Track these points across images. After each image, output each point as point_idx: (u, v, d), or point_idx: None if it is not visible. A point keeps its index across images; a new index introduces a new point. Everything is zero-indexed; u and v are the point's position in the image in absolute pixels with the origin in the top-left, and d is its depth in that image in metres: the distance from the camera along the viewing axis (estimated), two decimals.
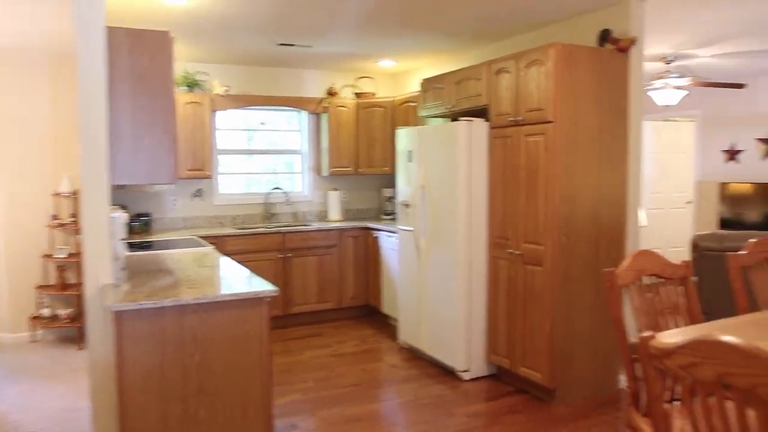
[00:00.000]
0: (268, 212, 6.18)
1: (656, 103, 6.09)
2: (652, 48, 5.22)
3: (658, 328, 2.27)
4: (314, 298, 5.77)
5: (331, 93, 6.25)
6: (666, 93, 5.60)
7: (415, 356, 4.80)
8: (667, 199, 7.90)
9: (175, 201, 5.82)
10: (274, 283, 5.46)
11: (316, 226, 5.85)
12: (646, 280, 2.44)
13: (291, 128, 6.45)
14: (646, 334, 1.39)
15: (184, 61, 5.68)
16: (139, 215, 5.52)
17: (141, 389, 2.50)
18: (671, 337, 1.40)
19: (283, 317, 5.65)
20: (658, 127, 7.82)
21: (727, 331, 2.07)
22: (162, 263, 3.58)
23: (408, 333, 4.88)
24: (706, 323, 2.21)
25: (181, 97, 5.46)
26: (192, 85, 5.61)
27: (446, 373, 4.38)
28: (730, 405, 1.28)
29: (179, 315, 2.55)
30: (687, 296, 2.46)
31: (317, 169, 6.42)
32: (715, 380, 1.24)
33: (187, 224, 5.86)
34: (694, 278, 4.78)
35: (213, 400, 2.63)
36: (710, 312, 4.47)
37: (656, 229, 7.73)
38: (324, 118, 6.20)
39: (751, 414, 1.23)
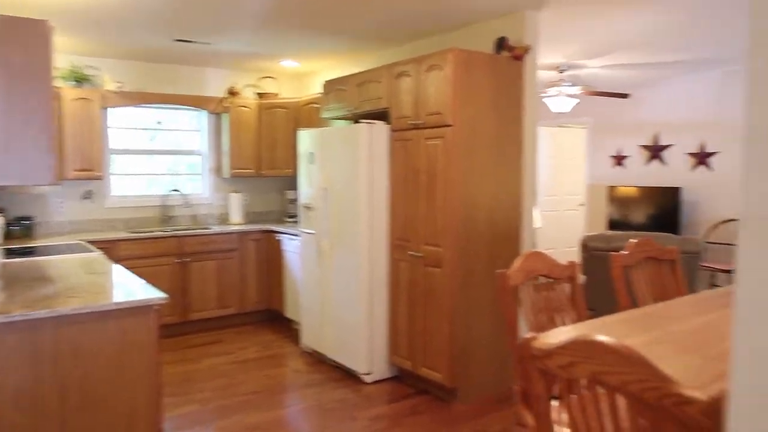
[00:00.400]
0: (166, 215, 5.92)
1: (551, 110, 6.38)
2: (547, 57, 5.46)
3: (547, 326, 2.35)
4: (214, 304, 5.58)
5: (232, 92, 6.07)
6: (559, 100, 5.88)
7: (318, 360, 4.74)
8: (562, 201, 8.30)
9: (62, 203, 5.44)
10: (171, 288, 5.25)
11: (216, 229, 5.66)
12: (542, 280, 2.53)
13: (191, 128, 6.21)
14: (528, 335, 1.43)
15: (71, 54, 5.33)
16: (20, 219, 5.11)
17: (11, 409, 2.29)
18: (552, 337, 1.44)
19: (182, 324, 5.42)
20: (553, 132, 8.19)
21: (606, 329, 2.18)
22: (43, 270, 3.32)
23: (311, 337, 4.81)
24: (590, 321, 2.31)
25: (68, 92, 5.12)
26: (80, 79, 5.28)
27: (349, 376, 4.36)
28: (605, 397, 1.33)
29: (56, 327, 2.37)
30: (573, 295, 2.56)
31: (218, 171, 6.22)
32: (591, 378, 1.28)
33: (75, 228, 5.50)
34: (583, 277, 5.06)
35: (95, 417, 2.46)
36: (598, 309, 4.72)
37: (552, 230, 8.10)
38: (225, 118, 6.02)
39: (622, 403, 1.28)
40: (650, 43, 5.01)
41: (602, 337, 1.26)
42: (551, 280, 2.57)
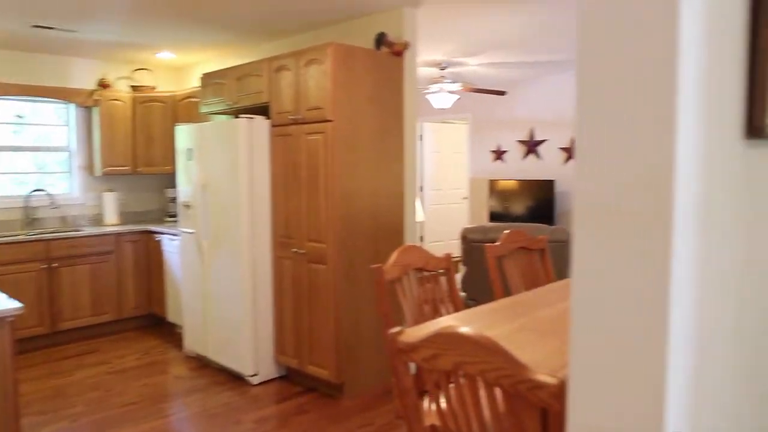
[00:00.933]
0: (29, 217, 5.45)
1: (433, 106, 6.54)
2: (428, 54, 5.58)
3: (427, 319, 2.40)
4: (89, 311, 5.22)
5: (103, 85, 5.70)
6: (441, 96, 6.03)
7: (202, 365, 4.57)
8: (446, 195, 8.55)
9: None
10: (37, 297, 4.85)
11: (88, 231, 5.29)
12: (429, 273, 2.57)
13: (58, 123, 5.75)
14: (394, 329, 1.44)
15: None
16: None
17: None
18: (420, 330, 1.45)
19: (51, 335, 5.03)
20: (436, 128, 8.41)
21: (479, 318, 2.25)
22: None
23: (194, 340, 4.63)
24: (465, 311, 2.38)
25: None
26: None
27: (235, 379, 4.24)
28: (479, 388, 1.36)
29: None
30: (449, 286, 2.63)
31: (89, 169, 5.81)
32: (454, 369, 1.31)
33: None
34: (464, 268, 5.23)
35: None
36: (479, 298, 4.91)
37: (438, 223, 8.32)
38: (96, 112, 5.63)
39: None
40: (524, 43, 5.25)
41: (463, 329, 1.29)
42: (427, 273, 2.62)
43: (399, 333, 1.42)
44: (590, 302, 0.91)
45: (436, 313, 2.50)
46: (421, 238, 7.93)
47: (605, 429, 0.90)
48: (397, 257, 2.39)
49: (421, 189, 8.10)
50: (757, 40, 1.12)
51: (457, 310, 2.60)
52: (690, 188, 0.90)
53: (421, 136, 8.11)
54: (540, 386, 1.16)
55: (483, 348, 1.23)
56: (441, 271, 2.64)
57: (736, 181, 1.14)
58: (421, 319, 2.38)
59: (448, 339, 1.28)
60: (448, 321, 2.19)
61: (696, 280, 0.97)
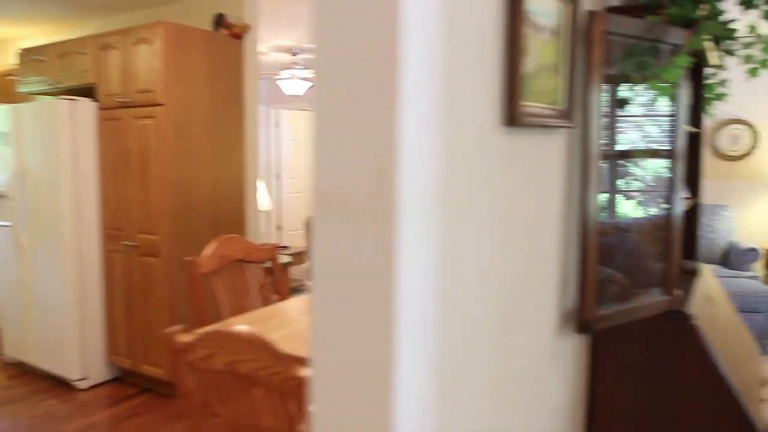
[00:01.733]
0: None
1: (285, 92, 6.39)
2: (279, 39, 5.43)
3: (242, 312, 2.31)
4: None
5: None
6: (292, 83, 5.92)
7: (24, 371, 4.15)
8: (305, 183, 8.45)
9: None
10: None
11: None
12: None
13: None
14: (172, 329, 1.35)
15: None
16: None
17: None
18: (199, 331, 1.37)
19: None
20: (294, 115, 8.27)
21: (290, 309, 2.21)
22: None
23: (14, 345, 4.20)
24: (279, 304, 2.33)
25: None
26: None
27: (61, 385, 3.89)
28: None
29: None
30: (275, 277, 2.56)
31: None
32: (227, 369, 1.25)
33: None
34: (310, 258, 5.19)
35: None
36: None
37: (296, 211, 8.21)
38: None
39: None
40: None
41: (237, 327, 1.22)
42: (253, 263, 2.54)
43: (176, 332, 1.33)
44: (326, 293, 0.88)
45: (257, 305, 2.42)
46: (279, 227, 7.79)
47: (343, 422, 0.88)
48: (214, 249, 2.28)
49: (278, 177, 7.94)
50: (513, 39, 1.16)
51: (282, 299, 2.55)
52: (425, 174, 0.89)
53: (277, 123, 7.94)
54: (307, 382, 1.13)
55: (252, 345, 1.18)
56: (267, 263, 2.56)
57: (498, 164, 1.17)
58: (238, 312, 2.29)
59: (220, 337, 1.22)
60: (253, 316, 2.12)
61: (440, 264, 0.97)
